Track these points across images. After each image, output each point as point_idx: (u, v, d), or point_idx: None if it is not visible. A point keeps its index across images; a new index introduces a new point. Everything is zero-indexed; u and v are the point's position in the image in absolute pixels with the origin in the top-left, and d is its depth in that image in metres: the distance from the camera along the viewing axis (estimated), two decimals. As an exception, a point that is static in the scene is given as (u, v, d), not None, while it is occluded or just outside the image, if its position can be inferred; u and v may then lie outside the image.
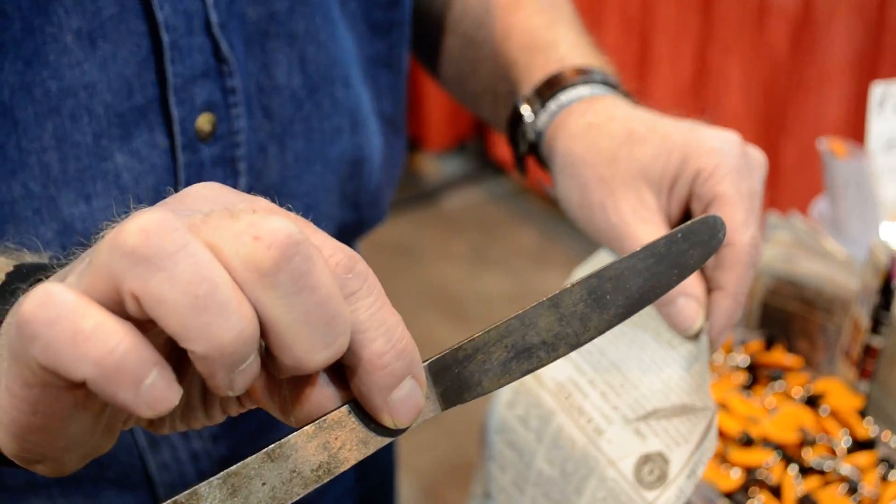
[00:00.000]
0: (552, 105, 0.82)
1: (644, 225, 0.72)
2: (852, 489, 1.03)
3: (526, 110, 0.83)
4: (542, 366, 0.54)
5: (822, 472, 1.05)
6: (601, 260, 0.78)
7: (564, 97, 0.82)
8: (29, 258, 0.57)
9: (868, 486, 1.04)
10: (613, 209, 0.73)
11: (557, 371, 0.76)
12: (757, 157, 0.74)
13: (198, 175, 0.82)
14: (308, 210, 0.90)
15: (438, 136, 3.70)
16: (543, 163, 0.85)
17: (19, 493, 0.89)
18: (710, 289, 0.73)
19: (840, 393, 1.12)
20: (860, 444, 1.08)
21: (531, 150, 0.85)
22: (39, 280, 0.52)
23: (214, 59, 0.79)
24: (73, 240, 0.78)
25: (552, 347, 0.53)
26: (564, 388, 0.75)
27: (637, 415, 0.71)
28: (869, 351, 1.11)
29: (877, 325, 1.10)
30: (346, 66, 0.90)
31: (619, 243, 0.73)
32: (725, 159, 0.72)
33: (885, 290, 1.08)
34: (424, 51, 1.00)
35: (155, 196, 0.80)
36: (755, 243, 0.71)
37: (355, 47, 0.91)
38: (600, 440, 0.72)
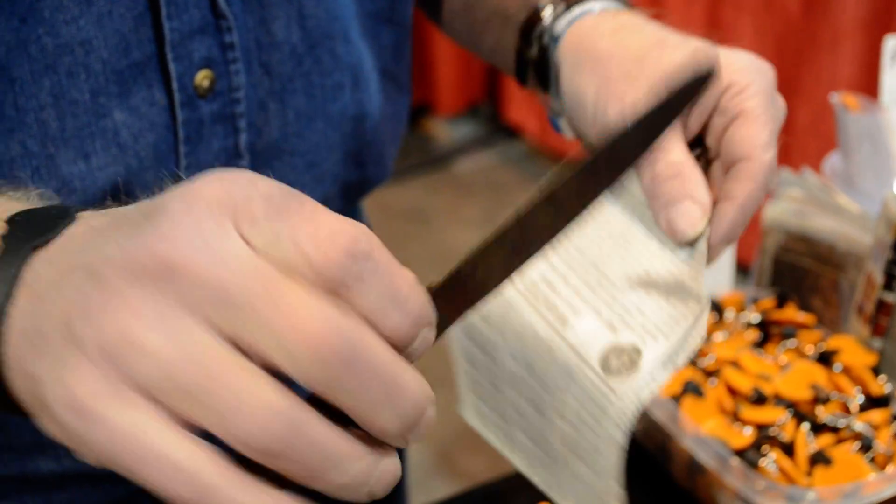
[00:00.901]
0: (576, 9, 0.79)
1: None
2: (866, 446, 1.02)
3: (548, 11, 0.80)
4: (539, 252, 0.53)
5: (835, 430, 1.04)
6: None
7: (591, 5, 0.79)
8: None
9: (882, 444, 1.03)
10: (632, 104, 0.70)
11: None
12: (781, 101, 0.72)
13: (197, 132, 0.81)
14: (310, 167, 0.89)
15: (450, 100, 3.67)
16: (545, 77, 0.82)
17: (26, 454, 0.89)
18: (718, 199, 0.71)
19: (853, 350, 1.10)
20: (874, 401, 1.07)
21: (538, 61, 0.82)
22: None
23: (212, 15, 0.78)
24: (73, 198, 0.77)
25: (551, 234, 0.53)
26: (534, 285, 0.71)
27: (612, 310, 0.68)
28: (882, 307, 1.09)
29: (890, 280, 1.08)
30: (347, 21, 0.89)
31: None
32: (759, 79, 0.70)
33: (900, 246, 1.07)
34: None
35: (154, 153, 0.79)
36: (774, 166, 0.70)
37: (356, 2, 0.90)
38: (565, 330, 0.68)
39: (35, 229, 0.50)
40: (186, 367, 0.43)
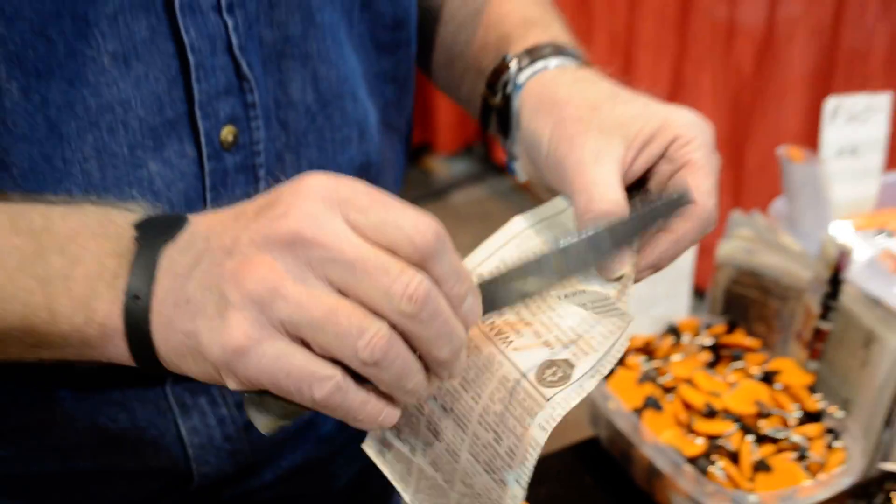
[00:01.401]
0: (539, 63, 0.79)
1: (600, 167, 0.69)
2: (802, 456, 1.03)
3: (513, 63, 0.80)
4: (550, 289, 0.66)
5: (775, 441, 1.05)
6: (548, 209, 0.75)
7: (553, 62, 0.79)
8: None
9: (816, 454, 1.03)
10: (580, 145, 0.70)
11: None
12: (717, 156, 0.72)
13: (222, 181, 0.81)
14: None
15: (447, 141, 3.67)
16: (506, 124, 0.81)
17: (68, 454, 0.88)
18: (658, 231, 0.70)
19: (792, 371, 1.11)
20: (809, 416, 1.08)
21: (501, 108, 0.81)
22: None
23: (236, 78, 0.79)
24: None
25: (559, 277, 0.65)
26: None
27: (549, 331, 0.68)
28: (819, 334, 1.10)
29: (826, 311, 1.09)
30: (354, 82, 0.89)
31: (571, 176, 0.70)
32: (702, 134, 0.70)
33: (834, 281, 1.08)
34: (420, 44, 0.98)
35: (184, 199, 0.80)
36: (714, 212, 0.69)
37: (363, 65, 0.90)
38: (506, 348, 0.68)
39: (161, 229, 0.60)
40: (316, 307, 0.53)
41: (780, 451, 1.04)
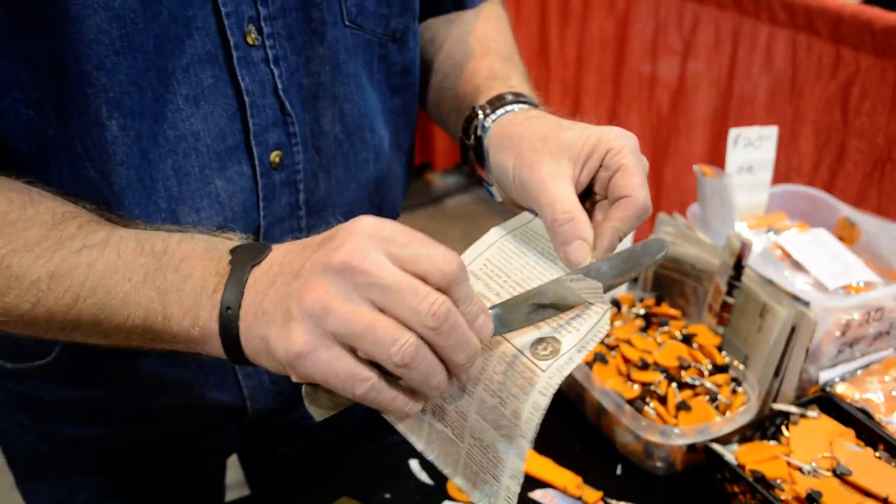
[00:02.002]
0: (500, 111, 0.76)
1: (557, 183, 0.66)
2: (713, 398, 1.00)
3: (480, 112, 0.77)
4: (550, 317, 0.61)
5: (693, 387, 1.01)
6: (519, 219, 0.72)
7: (510, 108, 0.76)
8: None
9: (723, 397, 1.00)
10: (538, 168, 0.67)
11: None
12: (644, 159, 0.68)
13: (272, 193, 0.79)
14: (346, 215, 0.87)
15: (442, 160, 3.64)
16: (481, 157, 0.77)
17: (148, 393, 0.86)
18: (604, 222, 0.67)
19: (705, 334, 1.08)
20: (718, 368, 1.04)
21: (475, 146, 0.77)
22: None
23: (281, 114, 0.77)
24: None
25: (557, 306, 0.61)
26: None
27: (538, 315, 0.64)
28: (725, 306, 1.06)
29: (731, 289, 1.05)
30: (373, 116, 0.86)
31: (537, 194, 0.67)
32: (629, 142, 0.67)
33: (738, 266, 1.04)
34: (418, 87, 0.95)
35: (243, 208, 0.78)
36: (647, 203, 0.66)
37: (379, 103, 0.88)
38: (503, 331, 0.64)
39: (250, 255, 0.59)
40: (359, 321, 0.52)
41: (696, 395, 1.00)
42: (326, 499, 0.94)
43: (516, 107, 0.76)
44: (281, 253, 0.59)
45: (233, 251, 0.60)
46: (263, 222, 0.80)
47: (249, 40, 0.72)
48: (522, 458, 0.62)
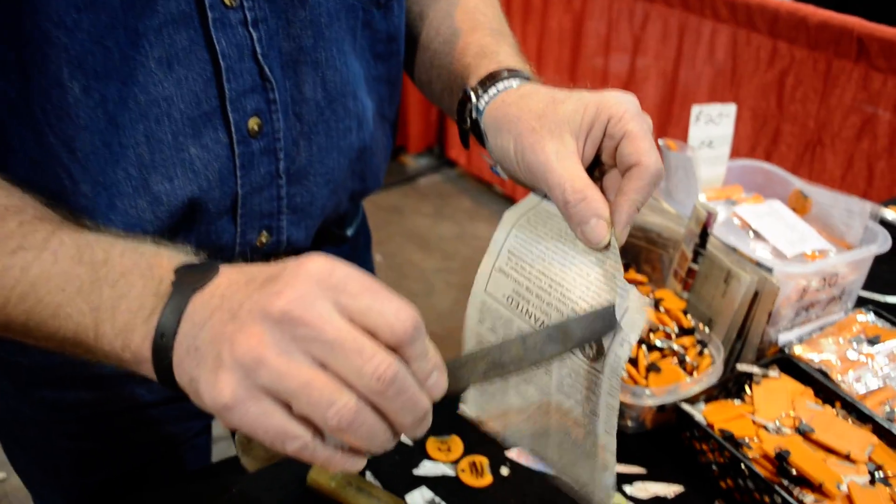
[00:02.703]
0: (492, 90, 0.65)
1: (563, 162, 0.56)
2: (681, 361, 0.90)
3: (472, 95, 0.66)
4: (510, 374, 0.51)
5: (661, 350, 0.92)
6: (530, 201, 0.61)
7: (501, 86, 0.65)
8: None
9: (690, 358, 0.90)
10: (541, 150, 0.57)
11: (504, 287, 0.61)
12: (648, 118, 0.58)
13: (250, 161, 0.68)
14: (328, 183, 0.76)
15: (415, 144, 3.54)
16: (481, 138, 0.67)
17: (122, 384, 0.75)
18: (617, 195, 0.57)
19: (671, 299, 0.98)
20: (684, 331, 0.95)
21: (473, 127, 0.67)
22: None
23: (260, 79, 0.65)
24: (161, 209, 0.65)
25: (517, 365, 0.51)
26: (513, 300, 0.60)
27: (566, 306, 0.56)
28: (690, 273, 0.97)
29: (696, 256, 0.96)
30: (356, 83, 0.75)
31: (543, 176, 0.56)
32: (630, 108, 0.56)
33: (703, 234, 0.94)
34: (406, 63, 0.84)
35: (219, 176, 0.67)
36: (659, 166, 0.56)
37: (363, 70, 0.76)
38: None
39: (194, 278, 0.47)
40: (294, 378, 0.42)
41: (664, 356, 0.91)
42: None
43: (508, 83, 0.65)
44: (225, 280, 0.47)
45: (178, 271, 0.48)
46: (241, 191, 0.68)
47: (227, 1, 0.61)
48: (611, 453, 0.57)
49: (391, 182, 3.37)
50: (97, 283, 0.49)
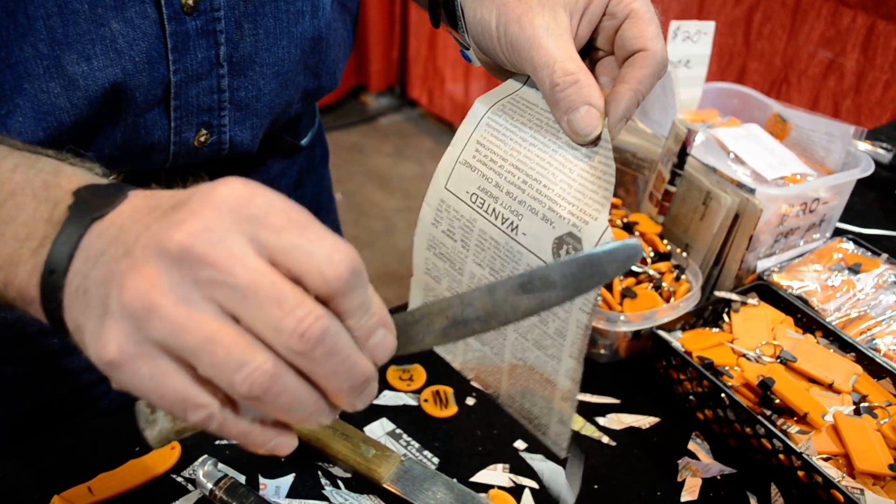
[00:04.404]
0: None
1: (553, 39, 0.46)
2: (657, 286, 0.82)
3: None
4: (476, 334, 0.40)
5: (636, 275, 0.84)
6: (507, 87, 0.52)
7: None
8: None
9: (666, 284, 0.83)
10: (529, 23, 0.47)
11: (468, 183, 0.52)
12: (654, 4, 0.48)
13: (184, 43, 0.57)
14: (277, 76, 0.64)
15: (377, 82, 3.38)
16: (454, 18, 0.55)
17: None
18: (615, 84, 0.48)
19: (646, 222, 0.90)
20: (661, 256, 0.87)
21: (446, 3, 0.55)
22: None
23: None
24: (78, 94, 0.53)
25: (485, 323, 0.39)
26: (478, 197, 0.51)
27: (542, 205, 0.47)
28: (667, 195, 0.89)
29: (674, 177, 0.88)
30: None
31: (529, 53, 0.47)
32: None
33: (682, 153, 0.86)
34: None
35: (147, 59, 0.55)
36: (665, 54, 0.47)
37: None
38: (517, 235, 0.48)
39: (95, 203, 0.36)
40: (193, 332, 0.32)
41: (640, 282, 0.83)
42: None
43: None
44: (129, 207, 0.36)
45: (78, 193, 0.37)
46: (174, 77, 0.57)
47: None
48: (574, 380, 0.47)
49: (350, 122, 3.24)
50: None
